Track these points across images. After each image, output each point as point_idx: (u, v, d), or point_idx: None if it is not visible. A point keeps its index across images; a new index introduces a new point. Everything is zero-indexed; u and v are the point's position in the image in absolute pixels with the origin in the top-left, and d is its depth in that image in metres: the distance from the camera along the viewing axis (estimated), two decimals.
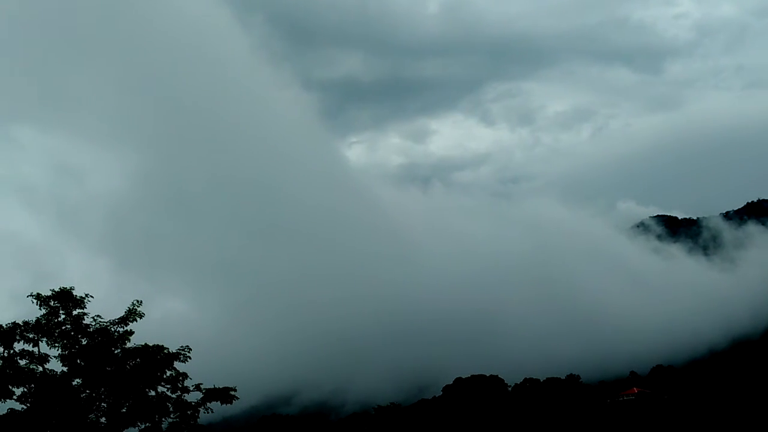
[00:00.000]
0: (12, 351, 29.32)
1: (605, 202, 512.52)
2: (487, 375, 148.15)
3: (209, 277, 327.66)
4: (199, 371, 31.41)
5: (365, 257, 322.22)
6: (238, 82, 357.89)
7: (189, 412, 30.54)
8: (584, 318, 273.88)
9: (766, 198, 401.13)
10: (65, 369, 29.70)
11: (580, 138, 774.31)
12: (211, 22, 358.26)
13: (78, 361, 29.77)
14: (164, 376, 30.37)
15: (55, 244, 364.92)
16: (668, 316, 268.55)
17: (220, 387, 31.08)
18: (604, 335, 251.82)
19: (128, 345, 30.22)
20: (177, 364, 30.55)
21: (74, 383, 29.64)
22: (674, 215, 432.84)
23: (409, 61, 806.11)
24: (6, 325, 29.37)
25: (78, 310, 30.16)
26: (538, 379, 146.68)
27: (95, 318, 30.19)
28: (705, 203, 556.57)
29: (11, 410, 28.96)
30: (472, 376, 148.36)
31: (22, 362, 29.31)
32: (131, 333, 30.34)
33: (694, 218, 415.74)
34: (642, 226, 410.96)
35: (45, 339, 29.71)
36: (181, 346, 30.89)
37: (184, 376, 30.63)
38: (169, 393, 30.46)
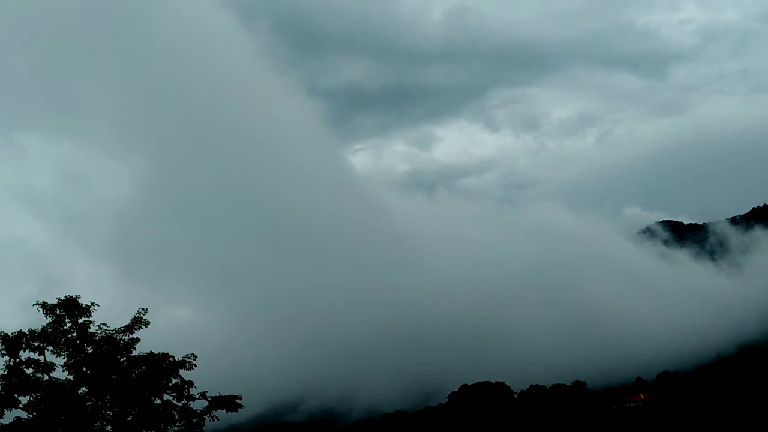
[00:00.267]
0: (18, 360, 29.36)
1: (611, 208, 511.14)
2: (493, 382, 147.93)
3: (215, 285, 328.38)
4: (205, 379, 31.44)
5: (371, 264, 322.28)
6: (244, 88, 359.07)
7: (195, 420, 30.51)
8: (590, 324, 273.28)
9: None
10: (71, 377, 29.74)
11: (585, 144, 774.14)
12: (217, 29, 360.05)
13: (84, 369, 29.80)
14: (170, 384, 30.39)
15: (62, 252, 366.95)
16: (675, 321, 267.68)
17: (226, 395, 31.08)
18: (611, 341, 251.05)
19: (134, 353, 30.28)
20: (183, 372, 30.57)
21: (80, 392, 29.67)
22: (680, 220, 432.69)
23: (413, 68, 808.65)
24: (12, 333, 29.42)
25: (84, 319, 30.21)
26: (544, 386, 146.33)
27: (101, 326, 30.25)
28: (711, 208, 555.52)
29: (17, 419, 29.02)
30: (478, 382, 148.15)
31: (28, 371, 29.35)
32: (137, 340, 30.40)
33: (701, 223, 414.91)
34: (648, 232, 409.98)
35: (50, 347, 29.75)
36: (187, 354, 30.91)
37: (190, 383, 30.63)
38: (174, 401, 30.46)
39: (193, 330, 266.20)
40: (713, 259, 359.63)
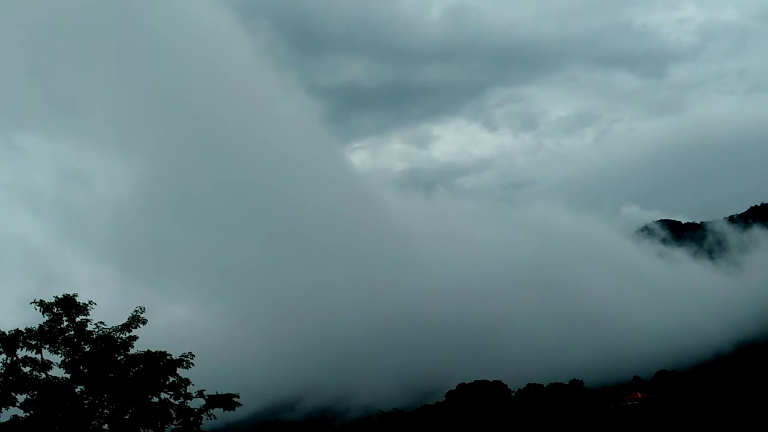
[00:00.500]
0: (15, 358, 29.39)
1: (609, 207, 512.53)
2: (491, 380, 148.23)
3: (214, 283, 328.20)
4: (203, 377, 31.49)
5: (369, 262, 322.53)
6: (243, 87, 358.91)
7: (192, 419, 30.55)
8: (588, 322, 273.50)
9: None
10: (68, 376, 29.78)
11: (584, 143, 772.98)
12: (216, 28, 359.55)
13: (81, 367, 29.84)
14: (167, 383, 30.45)
15: (61, 250, 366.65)
16: (673, 320, 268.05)
17: (223, 393, 31.13)
18: (609, 340, 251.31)
19: (131, 351, 30.33)
20: (180, 371, 30.62)
21: (77, 390, 29.72)
22: (678, 219, 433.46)
23: (411, 67, 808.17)
24: (9, 332, 29.46)
25: (81, 317, 30.25)
26: (542, 385, 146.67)
27: (98, 324, 30.30)
28: (709, 207, 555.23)
29: (15, 417, 29.08)
30: (476, 381, 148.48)
31: (25, 369, 29.36)
32: (135, 338, 30.45)
33: (699, 222, 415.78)
34: (646, 231, 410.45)
35: (48, 346, 29.79)
36: (184, 353, 30.95)
37: (187, 382, 30.68)
38: (172, 399, 30.52)
39: (191, 328, 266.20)
40: (711, 258, 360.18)
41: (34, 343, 29.58)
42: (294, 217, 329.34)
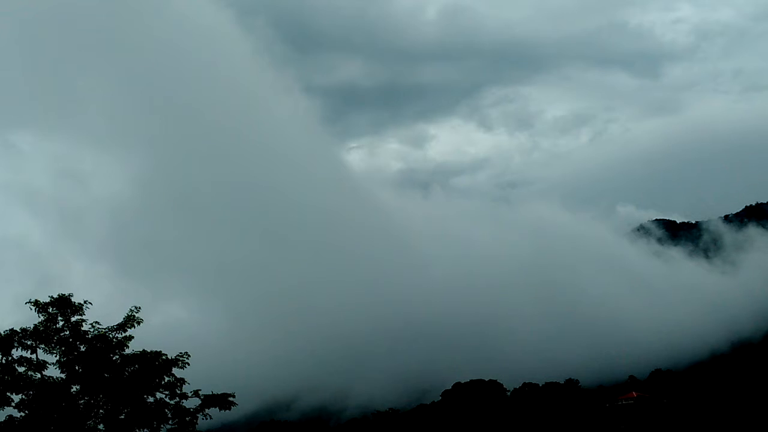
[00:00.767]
0: (10, 358, 29.36)
1: (605, 206, 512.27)
2: (486, 380, 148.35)
3: (210, 282, 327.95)
4: (199, 377, 31.47)
5: (365, 262, 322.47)
6: (239, 85, 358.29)
7: (188, 419, 30.56)
8: (584, 322, 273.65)
9: (765, 201, 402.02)
10: (63, 376, 29.75)
11: (579, 142, 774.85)
12: (212, 26, 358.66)
13: (76, 367, 29.81)
14: (162, 383, 30.43)
15: (58, 249, 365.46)
16: (669, 319, 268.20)
17: (219, 393, 31.11)
18: (604, 339, 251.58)
19: (127, 351, 30.29)
20: (175, 371, 30.60)
21: (72, 390, 29.68)
22: (674, 219, 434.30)
23: (407, 67, 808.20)
24: (4, 332, 29.42)
25: (76, 317, 30.20)
26: (537, 384, 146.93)
27: (93, 324, 30.26)
28: (705, 206, 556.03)
29: (9, 417, 29.03)
30: (471, 381, 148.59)
31: (20, 369, 29.33)
32: (131, 338, 30.43)
33: (694, 221, 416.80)
34: (642, 230, 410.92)
35: (43, 346, 29.75)
36: (180, 353, 30.93)
37: (182, 381, 30.66)
38: (167, 399, 30.50)
39: (188, 328, 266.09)
40: (707, 257, 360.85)
41: (29, 343, 29.51)
42: (290, 217, 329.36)
